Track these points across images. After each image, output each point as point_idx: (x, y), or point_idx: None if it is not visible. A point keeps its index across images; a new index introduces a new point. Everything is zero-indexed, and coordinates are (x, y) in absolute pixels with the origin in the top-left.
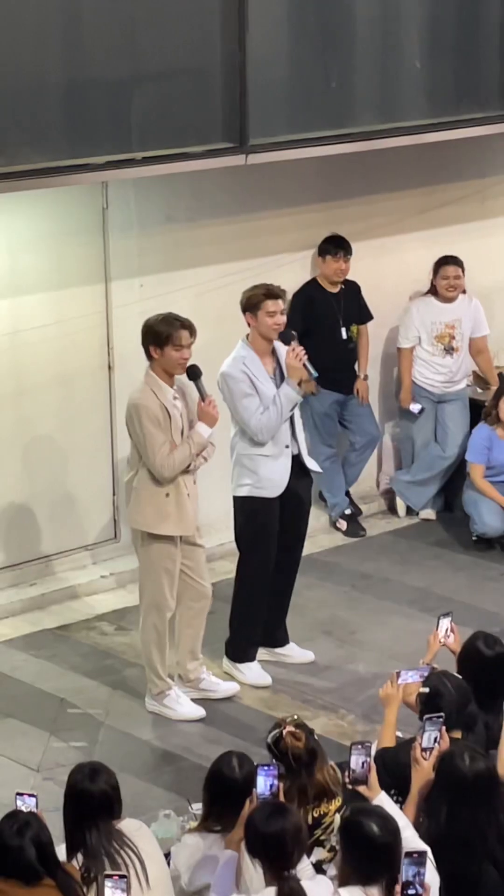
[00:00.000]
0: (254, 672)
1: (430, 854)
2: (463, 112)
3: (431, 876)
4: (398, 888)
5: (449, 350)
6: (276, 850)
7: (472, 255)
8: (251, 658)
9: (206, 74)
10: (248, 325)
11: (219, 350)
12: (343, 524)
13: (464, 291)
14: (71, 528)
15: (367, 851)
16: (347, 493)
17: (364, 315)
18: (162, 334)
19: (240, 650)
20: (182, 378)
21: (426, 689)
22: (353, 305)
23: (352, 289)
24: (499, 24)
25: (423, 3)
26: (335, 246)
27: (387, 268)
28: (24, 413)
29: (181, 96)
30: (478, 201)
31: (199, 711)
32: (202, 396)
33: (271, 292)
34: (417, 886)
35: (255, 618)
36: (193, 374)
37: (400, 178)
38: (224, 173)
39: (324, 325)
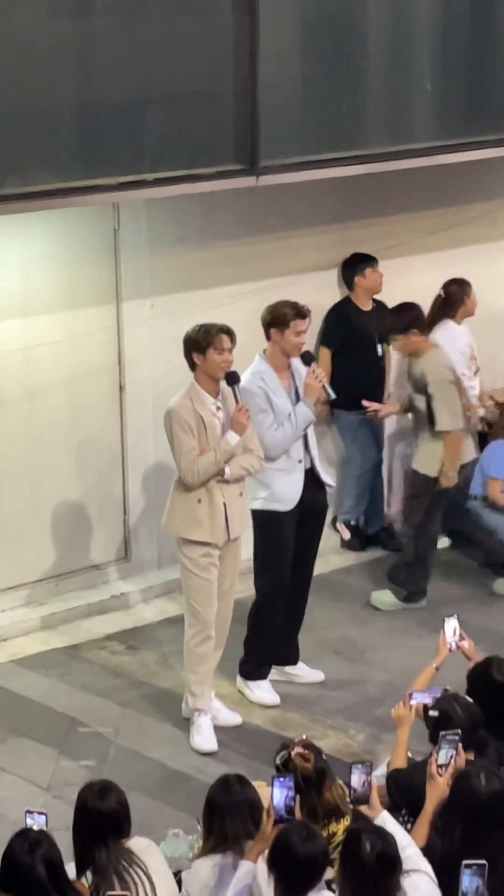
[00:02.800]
0: (263, 690)
1: (432, 873)
2: (474, 134)
3: (433, 893)
4: None
5: (476, 371)
6: (305, 873)
7: (483, 277)
8: (262, 676)
9: (217, 97)
10: (270, 339)
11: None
12: (346, 532)
13: None
14: (82, 547)
15: (365, 874)
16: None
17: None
18: (203, 340)
19: (252, 668)
20: (224, 388)
21: (435, 713)
22: (384, 324)
23: (382, 307)
24: None
25: (433, 25)
26: (369, 259)
27: (398, 289)
28: (36, 433)
29: (192, 118)
30: (489, 223)
31: (210, 746)
32: (236, 402)
33: (301, 311)
34: None
35: (270, 635)
36: (232, 379)
37: (411, 200)
38: (235, 195)
39: (359, 342)
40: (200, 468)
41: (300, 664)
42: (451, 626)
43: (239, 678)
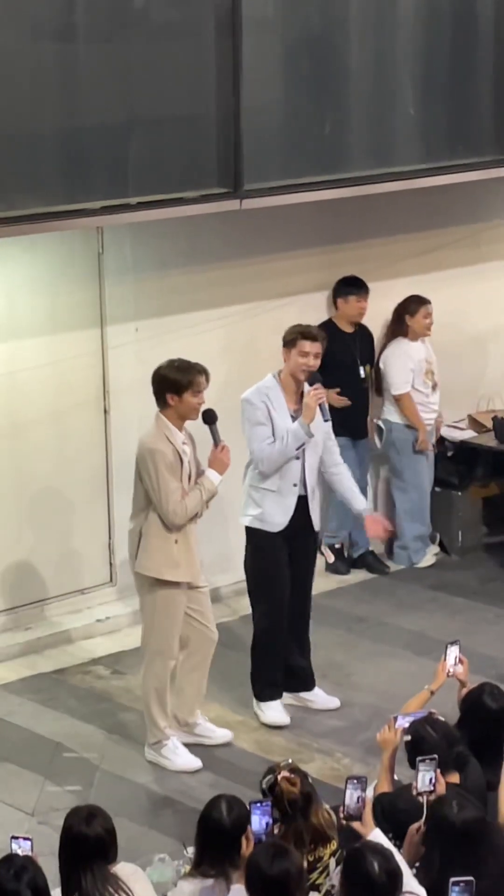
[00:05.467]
0: (274, 711)
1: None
2: (456, 157)
3: None
4: None
5: (434, 386)
6: (278, 893)
7: (466, 300)
8: (273, 697)
9: (200, 120)
10: (284, 360)
11: (214, 394)
12: (330, 556)
13: None
14: (66, 571)
15: (373, 893)
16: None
17: (372, 359)
18: (181, 381)
19: (261, 688)
20: (189, 422)
21: (408, 737)
22: (366, 347)
23: (365, 332)
24: (491, 70)
25: (416, 49)
26: (357, 287)
27: (382, 312)
28: (21, 457)
29: (176, 142)
30: (472, 245)
31: (196, 763)
32: (215, 442)
33: (306, 333)
34: None
35: (272, 656)
36: (210, 418)
37: (394, 223)
38: (219, 218)
39: (342, 364)
40: (189, 509)
41: (316, 689)
42: (453, 653)
43: (254, 700)
